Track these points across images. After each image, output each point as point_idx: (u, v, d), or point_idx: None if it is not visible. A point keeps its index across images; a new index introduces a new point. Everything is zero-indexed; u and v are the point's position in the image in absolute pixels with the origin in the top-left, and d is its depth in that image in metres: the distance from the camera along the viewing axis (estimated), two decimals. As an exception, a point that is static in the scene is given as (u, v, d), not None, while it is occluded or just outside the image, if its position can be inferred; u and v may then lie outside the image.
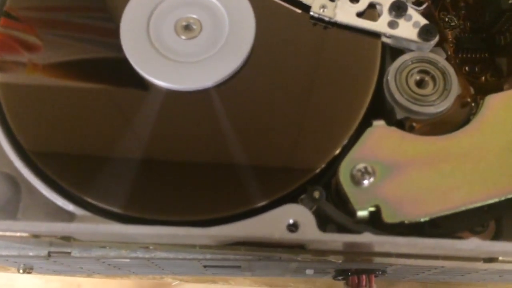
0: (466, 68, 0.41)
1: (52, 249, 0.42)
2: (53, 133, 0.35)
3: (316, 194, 0.34)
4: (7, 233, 0.34)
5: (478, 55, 0.42)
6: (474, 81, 0.41)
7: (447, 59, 0.37)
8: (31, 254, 0.42)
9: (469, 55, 0.42)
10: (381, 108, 0.36)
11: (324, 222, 0.34)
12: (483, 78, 0.41)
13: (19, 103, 0.36)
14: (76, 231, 0.32)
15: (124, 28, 0.37)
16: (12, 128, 0.35)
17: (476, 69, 0.41)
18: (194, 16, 0.37)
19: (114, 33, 0.37)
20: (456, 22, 0.43)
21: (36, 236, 0.35)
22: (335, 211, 0.34)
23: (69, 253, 0.42)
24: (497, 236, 0.37)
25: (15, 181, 0.36)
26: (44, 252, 0.42)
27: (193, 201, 0.33)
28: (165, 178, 0.34)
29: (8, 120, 0.35)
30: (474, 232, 0.36)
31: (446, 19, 0.43)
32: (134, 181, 0.34)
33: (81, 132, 0.35)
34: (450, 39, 0.42)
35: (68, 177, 0.33)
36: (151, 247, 0.38)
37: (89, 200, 0.33)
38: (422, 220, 0.32)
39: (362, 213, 0.32)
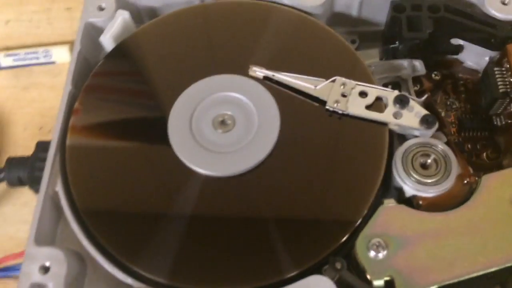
0: (469, 145, 0.47)
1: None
2: (113, 214, 0.42)
3: (338, 265, 0.39)
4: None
5: (479, 134, 0.47)
6: (475, 158, 0.46)
7: (447, 142, 0.42)
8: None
9: (470, 134, 0.47)
10: (391, 186, 0.42)
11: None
12: (484, 154, 0.46)
13: (86, 191, 0.43)
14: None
15: (172, 123, 0.44)
16: (79, 210, 0.42)
17: (478, 147, 0.47)
18: (229, 112, 0.44)
19: (163, 126, 0.44)
20: (457, 104, 0.49)
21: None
22: (356, 280, 0.39)
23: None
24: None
25: (81, 258, 0.42)
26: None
27: (228, 273, 0.39)
28: (209, 253, 0.40)
29: (76, 203, 0.42)
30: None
31: (448, 102, 0.49)
32: (182, 257, 0.39)
33: (137, 214, 0.42)
34: (453, 120, 0.48)
35: (127, 253, 0.40)
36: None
37: (145, 274, 0.39)
38: (431, 288, 0.36)
39: (378, 283, 0.37)
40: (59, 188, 0.43)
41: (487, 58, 0.49)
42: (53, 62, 0.66)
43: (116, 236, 0.41)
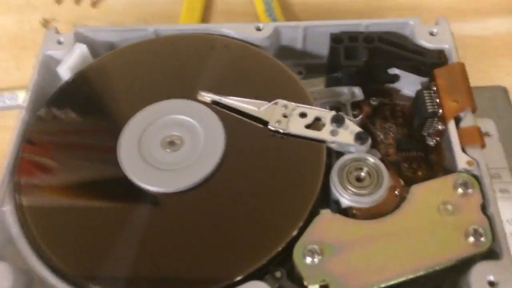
0: (405, 165, 0.50)
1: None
2: (66, 234, 0.43)
3: (278, 274, 0.41)
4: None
5: (415, 154, 0.50)
6: (412, 175, 0.49)
7: (381, 158, 0.45)
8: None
9: (408, 154, 0.50)
10: (328, 198, 0.44)
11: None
12: (420, 172, 0.49)
13: (41, 220, 0.44)
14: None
15: (122, 145, 0.47)
16: (31, 229, 0.43)
17: (414, 166, 0.50)
18: (177, 133, 0.47)
19: (113, 151, 0.46)
20: (395, 128, 0.53)
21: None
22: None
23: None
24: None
25: (29, 277, 0.42)
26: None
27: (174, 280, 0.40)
28: (155, 267, 0.41)
29: (27, 222, 0.43)
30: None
31: (386, 126, 0.53)
32: (135, 273, 0.41)
33: (90, 233, 0.43)
34: (391, 142, 0.51)
35: (81, 272, 0.41)
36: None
37: None
38: (364, 291, 0.38)
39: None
40: (7, 208, 0.44)
41: (419, 86, 0.53)
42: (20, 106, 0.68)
43: (69, 255, 0.42)
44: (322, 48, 0.56)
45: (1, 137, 0.64)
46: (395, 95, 0.55)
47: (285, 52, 0.57)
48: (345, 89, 0.52)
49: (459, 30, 0.55)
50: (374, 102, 0.53)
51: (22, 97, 0.65)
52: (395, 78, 0.54)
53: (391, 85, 0.55)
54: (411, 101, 0.54)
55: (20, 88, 0.68)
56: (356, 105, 0.52)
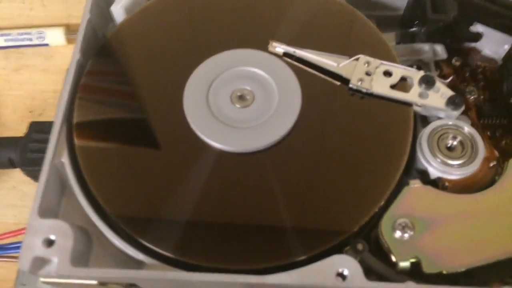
0: (488, 133, 0.46)
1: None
2: (124, 188, 0.40)
3: (360, 247, 0.38)
4: (77, 281, 0.38)
5: (498, 121, 0.46)
6: (495, 145, 0.45)
7: (472, 125, 0.41)
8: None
9: (489, 121, 0.46)
10: (413, 169, 0.41)
11: (366, 273, 0.37)
12: (504, 142, 0.45)
13: (94, 162, 0.40)
14: (145, 277, 0.35)
15: (187, 95, 0.42)
16: (88, 185, 0.39)
17: (497, 134, 0.46)
18: (248, 87, 0.43)
19: (178, 101, 0.42)
20: (476, 92, 0.48)
21: (103, 284, 0.38)
22: (377, 262, 0.37)
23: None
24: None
25: (87, 234, 0.39)
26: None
27: (252, 251, 0.37)
28: (229, 230, 0.38)
29: (83, 175, 0.40)
30: (505, 283, 0.39)
31: (467, 90, 0.48)
32: (200, 234, 0.37)
33: (149, 187, 0.40)
34: (471, 107, 0.47)
35: (138, 228, 0.37)
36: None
37: (158, 250, 0.37)
38: (459, 271, 0.35)
39: (404, 264, 0.35)
40: (65, 159, 0.40)
41: (506, 46, 0.48)
42: (46, 44, 0.63)
43: (126, 209, 0.39)
44: (397, -1, 0.51)
45: (31, 76, 0.62)
46: (475, 55, 0.51)
47: (356, 2, 0.52)
48: (426, 46, 0.47)
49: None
50: (456, 62, 0.48)
51: (50, 37, 0.62)
52: (478, 36, 0.49)
53: (472, 45, 0.50)
54: (493, 62, 0.49)
55: (45, 26, 0.64)
56: (435, 65, 0.48)
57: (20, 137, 0.49)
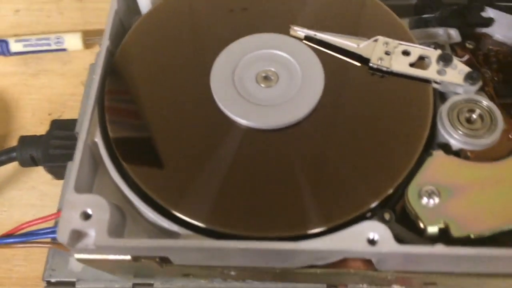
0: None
1: (137, 281, 0.46)
2: (154, 162, 0.41)
3: (387, 216, 0.39)
4: (111, 257, 0.39)
5: (512, 101, 0.48)
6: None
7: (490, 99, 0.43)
8: (117, 286, 0.46)
9: (505, 101, 0.48)
10: (435, 144, 0.42)
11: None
12: (519, 121, 0.47)
13: (125, 141, 0.42)
14: (182, 246, 0.36)
15: (214, 75, 0.44)
16: (119, 159, 0.41)
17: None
18: (272, 69, 0.44)
19: (206, 82, 0.44)
20: (489, 74, 0.50)
21: (136, 259, 0.39)
22: (404, 230, 0.38)
23: (152, 284, 0.46)
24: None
25: (120, 210, 0.40)
26: (128, 284, 0.46)
27: (283, 220, 0.38)
28: (261, 199, 0.39)
29: (115, 152, 0.41)
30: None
31: (481, 71, 0.50)
32: (232, 204, 0.39)
33: (181, 161, 0.41)
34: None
35: (171, 200, 0.39)
36: (232, 273, 0.42)
37: (192, 220, 0.38)
38: (485, 235, 0.36)
39: (432, 229, 0.37)
40: (98, 139, 0.42)
41: (517, 30, 0.50)
42: (64, 49, 0.64)
43: (158, 183, 0.40)
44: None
45: (49, 81, 0.63)
46: (486, 40, 0.52)
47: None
48: (440, 30, 0.49)
49: None
50: (470, 45, 0.50)
51: (68, 42, 0.63)
52: (490, 21, 0.51)
53: (483, 30, 0.52)
54: (505, 47, 0.51)
55: (61, 32, 0.65)
56: (450, 49, 0.49)
57: (42, 135, 0.51)
